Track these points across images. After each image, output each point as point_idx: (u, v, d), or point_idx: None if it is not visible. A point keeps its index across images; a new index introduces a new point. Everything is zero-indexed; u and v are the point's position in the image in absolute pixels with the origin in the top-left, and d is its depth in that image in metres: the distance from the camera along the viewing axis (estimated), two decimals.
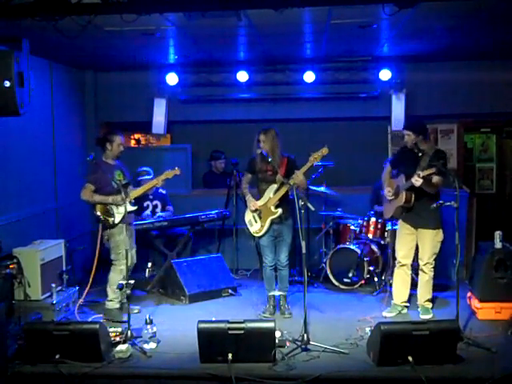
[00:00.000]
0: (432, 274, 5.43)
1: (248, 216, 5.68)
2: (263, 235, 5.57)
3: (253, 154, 5.59)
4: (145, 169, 7.04)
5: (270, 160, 5.36)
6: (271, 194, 5.49)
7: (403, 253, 5.50)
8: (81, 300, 5.81)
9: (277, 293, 5.68)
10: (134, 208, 5.74)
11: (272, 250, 5.62)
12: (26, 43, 4.49)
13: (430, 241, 5.36)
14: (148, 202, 7.02)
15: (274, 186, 5.48)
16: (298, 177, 5.31)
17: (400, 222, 5.55)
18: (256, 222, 5.60)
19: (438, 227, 5.36)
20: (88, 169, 5.85)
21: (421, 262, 5.43)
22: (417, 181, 5.13)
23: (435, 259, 5.42)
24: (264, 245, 5.63)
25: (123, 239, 5.51)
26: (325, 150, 5.27)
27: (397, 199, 5.43)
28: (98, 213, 5.64)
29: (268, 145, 5.44)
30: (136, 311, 5.60)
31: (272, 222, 5.52)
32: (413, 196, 5.29)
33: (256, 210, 5.57)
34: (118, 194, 5.46)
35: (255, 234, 5.62)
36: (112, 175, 5.61)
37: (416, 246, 5.47)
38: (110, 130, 5.89)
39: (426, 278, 5.43)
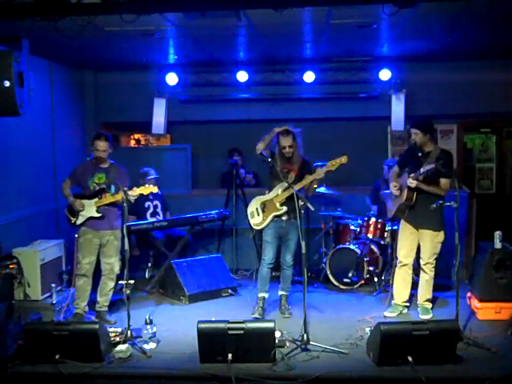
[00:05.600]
0: (432, 273, 5.42)
1: (252, 207, 5.64)
2: (262, 229, 5.54)
3: (273, 149, 5.50)
4: (147, 169, 7.02)
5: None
6: (279, 191, 5.47)
7: (404, 252, 5.50)
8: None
9: (278, 293, 5.68)
10: (99, 215, 5.42)
11: (274, 247, 5.57)
12: (25, 43, 4.49)
13: (429, 242, 5.36)
14: (149, 203, 7.01)
15: (284, 184, 5.41)
16: (307, 180, 5.30)
17: (402, 221, 5.55)
18: (258, 214, 5.57)
19: (439, 229, 5.34)
20: None
21: (421, 262, 5.44)
22: (411, 183, 5.17)
23: (436, 259, 5.42)
24: (268, 240, 5.55)
25: (83, 244, 5.45)
26: (344, 159, 5.21)
27: (399, 197, 5.44)
28: (65, 209, 5.56)
29: (293, 148, 5.39)
30: (113, 322, 5.47)
31: (274, 218, 5.48)
32: (414, 194, 5.29)
33: (262, 203, 5.54)
34: (91, 197, 5.42)
35: (255, 227, 5.59)
36: (91, 176, 5.48)
37: (418, 245, 5.48)
38: (97, 132, 5.68)
39: (425, 278, 5.43)
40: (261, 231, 5.62)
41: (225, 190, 7.49)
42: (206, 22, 4.66)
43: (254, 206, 5.64)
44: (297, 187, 5.22)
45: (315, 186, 5.46)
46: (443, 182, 5.24)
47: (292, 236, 5.55)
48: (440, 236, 5.37)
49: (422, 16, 4.92)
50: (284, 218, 5.49)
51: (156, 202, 7.06)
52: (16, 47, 4.41)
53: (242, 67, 7.37)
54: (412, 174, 5.21)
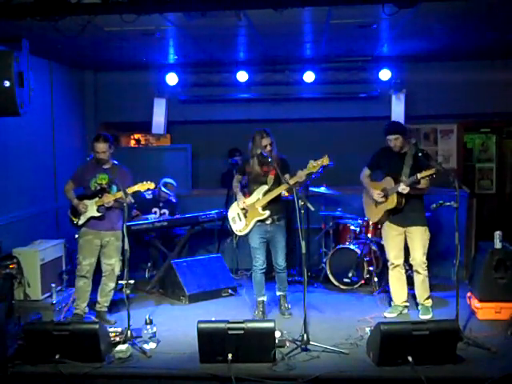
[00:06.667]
0: (426, 272, 5.42)
1: (232, 213, 5.58)
2: (245, 235, 5.50)
3: (247, 155, 5.51)
4: (169, 181, 7.05)
5: (269, 160, 5.29)
6: (260, 195, 5.40)
7: (394, 254, 5.51)
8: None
9: (276, 293, 5.68)
10: (99, 214, 5.39)
11: (263, 252, 5.52)
12: (25, 43, 4.50)
13: (420, 238, 5.37)
14: (156, 209, 7.02)
15: (265, 187, 5.38)
16: (290, 183, 5.20)
17: (386, 223, 5.54)
18: (240, 220, 5.50)
19: (425, 224, 5.41)
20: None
21: (414, 263, 5.42)
22: (403, 189, 5.18)
23: (426, 258, 5.44)
24: (255, 246, 5.49)
25: (83, 245, 5.44)
26: (325, 160, 5.12)
27: (385, 202, 5.43)
28: (68, 211, 5.55)
29: (273, 147, 5.35)
30: (113, 322, 5.46)
31: (257, 223, 5.42)
32: (403, 199, 5.30)
33: (243, 209, 5.50)
34: (92, 197, 5.39)
35: (238, 233, 5.54)
36: (93, 177, 5.44)
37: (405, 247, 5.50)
38: (96, 134, 5.63)
39: (421, 278, 5.42)
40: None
41: (225, 190, 7.49)
42: (206, 21, 4.66)
43: (235, 210, 5.56)
44: (278, 190, 5.22)
45: (297, 187, 5.43)
46: (424, 180, 5.23)
47: (279, 238, 5.50)
48: (428, 231, 5.42)
49: (422, 16, 4.92)
50: (268, 221, 5.43)
51: (164, 210, 7.06)
52: (16, 47, 4.42)
53: (242, 67, 7.38)
54: (405, 180, 5.19)
